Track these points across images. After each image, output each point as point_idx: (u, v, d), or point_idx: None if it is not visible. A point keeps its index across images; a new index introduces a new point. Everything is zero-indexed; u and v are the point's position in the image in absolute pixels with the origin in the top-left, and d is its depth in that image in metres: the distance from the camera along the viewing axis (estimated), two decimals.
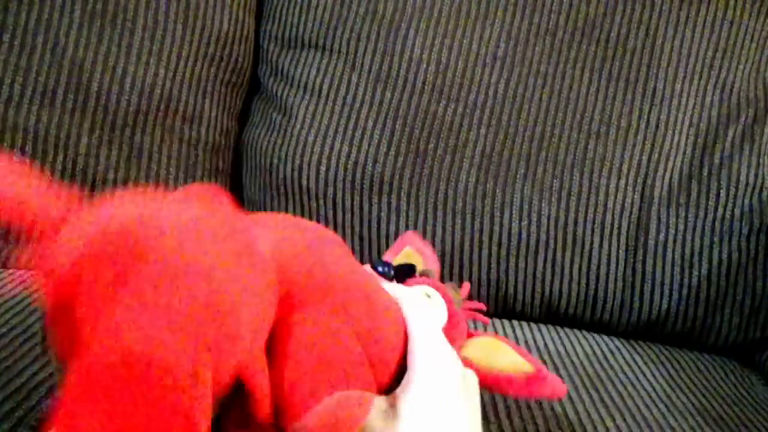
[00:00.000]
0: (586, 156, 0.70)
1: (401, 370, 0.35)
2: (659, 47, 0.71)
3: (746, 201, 0.70)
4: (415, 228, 0.70)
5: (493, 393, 0.46)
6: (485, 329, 0.65)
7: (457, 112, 0.71)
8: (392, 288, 0.39)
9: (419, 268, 0.52)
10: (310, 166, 0.72)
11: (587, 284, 0.70)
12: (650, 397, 0.57)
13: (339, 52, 0.73)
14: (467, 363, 0.39)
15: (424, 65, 0.71)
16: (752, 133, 0.71)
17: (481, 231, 0.70)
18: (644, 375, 0.61)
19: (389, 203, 0.71)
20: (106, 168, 0.67)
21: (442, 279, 0.67)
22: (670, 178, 0.70)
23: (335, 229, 0.72)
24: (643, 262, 0.69)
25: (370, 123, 0.71)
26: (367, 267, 0.44)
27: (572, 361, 0.61)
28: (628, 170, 0.70)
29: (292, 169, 0.72)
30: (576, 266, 0.70)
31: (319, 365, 0.30)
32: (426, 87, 0.71)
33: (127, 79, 0.68)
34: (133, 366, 0.22)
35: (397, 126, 0.71)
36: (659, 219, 0.69)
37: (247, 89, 0.80)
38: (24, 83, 0.65)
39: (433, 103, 0.71)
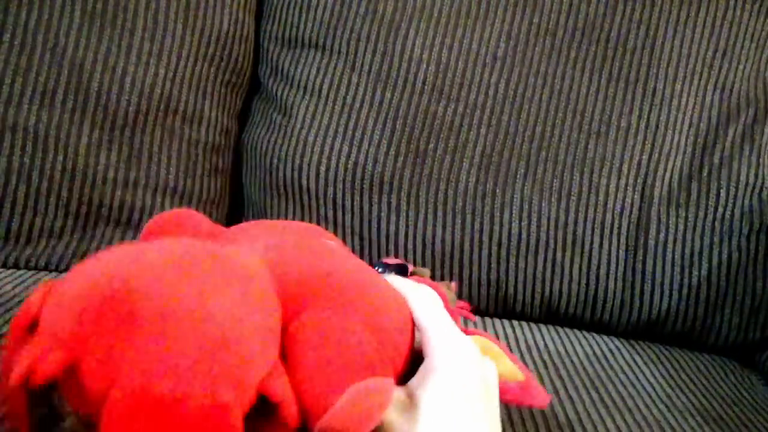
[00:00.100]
0: (586, 156, 0.70)
1: (410, 361, 0.35)
2: (659, 47, 0.71)
3: (746, 201, 0.70)
4: (415, 228, 0.70)
5: None
6: (475, 326, 0.65)
7: (457, 112, 0.71)
8: (394, 279, 0.39)
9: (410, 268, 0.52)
10: (310, 166, 0.72)
11: (587, 284, 0.70)
12: (650, 397, 0.56)
13: (339, 52, 0.73)
14: None
15: (424, 65, 0.71)
16: (752, 133, 0.71)
17: (481, 231, 0.70)
18: (644, 375, 0.61)
19: (389, 203, 0.71)
20: (106, 168, 0.67)
21: (433, 278, 0.68)
22: (670, 178, 0.70)
23: (335, 229, 0.72)
24: (643, 262, 0.69)
25: (370, 123, 0.71)
26: None
27: (572, 361, 0.61)
28: (628, 170, 0.70)
29: (292, 169, 0.72)
30: (576, 266, 0.70)
31: (334, 360, 0.30)
32: (426, 87, 0.71)
33: (127, 79, 0.68)
34: (169, 407, 0.24)
35: (397, 126, 0.71)
36: (659, 219, 0.69)
37: (247, 89, 0.80)
38: (24, 83, 0.65)
39: (433, 103, 0.71)
